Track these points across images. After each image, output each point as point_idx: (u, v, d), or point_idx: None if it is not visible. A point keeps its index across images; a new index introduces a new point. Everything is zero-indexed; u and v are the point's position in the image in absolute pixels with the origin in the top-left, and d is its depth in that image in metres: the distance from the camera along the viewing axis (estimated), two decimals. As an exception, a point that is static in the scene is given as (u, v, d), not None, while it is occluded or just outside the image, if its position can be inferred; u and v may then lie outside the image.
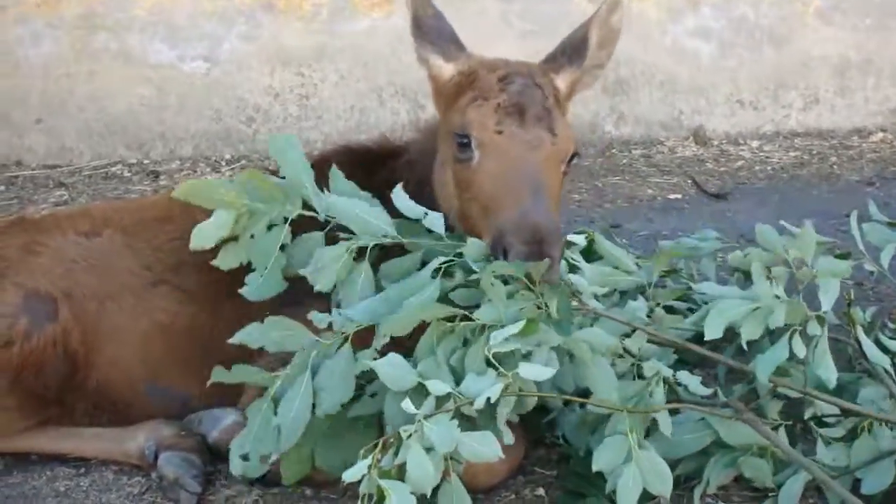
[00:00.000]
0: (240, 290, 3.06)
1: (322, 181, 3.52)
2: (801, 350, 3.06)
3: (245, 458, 2.96)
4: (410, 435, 2.63)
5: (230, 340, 3.00)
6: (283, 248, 3.07)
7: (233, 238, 3.06)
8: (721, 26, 7.85)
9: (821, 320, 3.10)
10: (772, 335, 3.21)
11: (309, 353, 2.93)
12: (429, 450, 2.63)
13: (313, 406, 2.89)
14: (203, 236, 3.04)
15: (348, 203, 3.12)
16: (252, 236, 3.06)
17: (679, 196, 6.62)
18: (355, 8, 7.39)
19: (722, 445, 3.14)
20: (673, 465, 3.01)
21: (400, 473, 2.62)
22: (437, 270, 2.96)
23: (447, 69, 3.39)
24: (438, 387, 2.74)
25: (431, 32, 3.40)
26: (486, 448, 2.67)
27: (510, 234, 2.87)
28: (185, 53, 7.34)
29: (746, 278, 3.77)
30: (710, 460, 3.16)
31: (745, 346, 3.15)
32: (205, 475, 3.33)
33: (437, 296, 2.89)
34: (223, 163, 7.27)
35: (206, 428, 3.43)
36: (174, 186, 6.44)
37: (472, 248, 2.96)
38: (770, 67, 7.93)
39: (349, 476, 2.64)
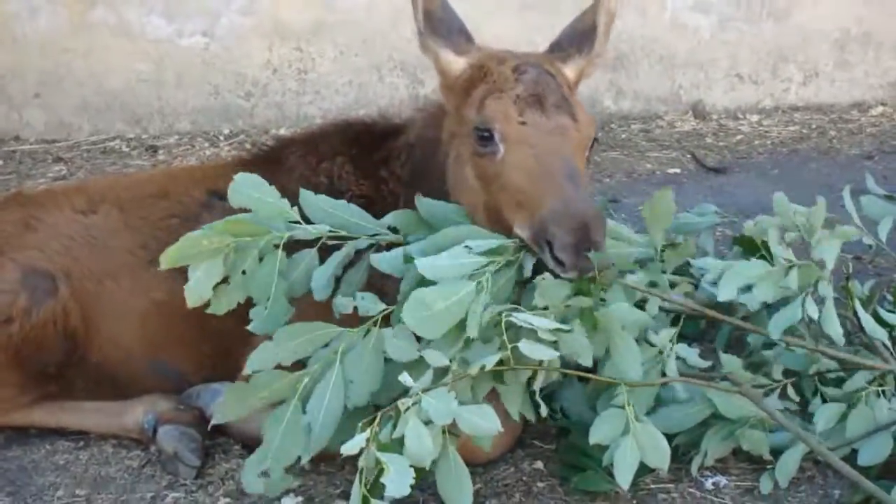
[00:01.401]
0: (248, 328, 3.01)
1: (314, 156, 3.51)
2: (814, 311, 3.15)
3: (265, 474, 2.89)
4: (408, 408, 2.63)
5: (245, 372, 2.94)
6: (279, 273, 3.01)
7: (222, 281, 2.99)
8: (720, 0, 7.81)
9: (827, 281, 3.21)
10: (769, 308, 3.24)
11: (338, 346, 2.89)
12: (427, 423, 2.63)
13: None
14: (197, 292, 2.97)
15: (338, 207, 3.11)
16: (244, 272, 2.99)
17: (678, 170, 6.61)
18: (354, -18, 7.37)
19: (720, 418, 3.15)
20: (671, 438, 3.03)
21: (399, 447, 2.62)
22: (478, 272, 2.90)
23: (458, 63, 3.32)
24: (437, 359, 2.74)
25: (441, 26, 3.33)
26: (485, 421, 2.67)
27: (554, 225, 2.83)
28: (184, 28, 7.30)
29: (745, 253, 3.78)
30: (709, 432, 3.17)
31: (751, 309, 3.24)
32: (203, 448, 3.35)
33: (486, 300, 2.84)
34: (221, 138, 7.26)
35: (205, 402, 3.44)
36: (172, 161, 6.56)
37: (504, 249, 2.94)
38: (769, 41, 7.90)
39: (347, 449, 2.64)
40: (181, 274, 3.48)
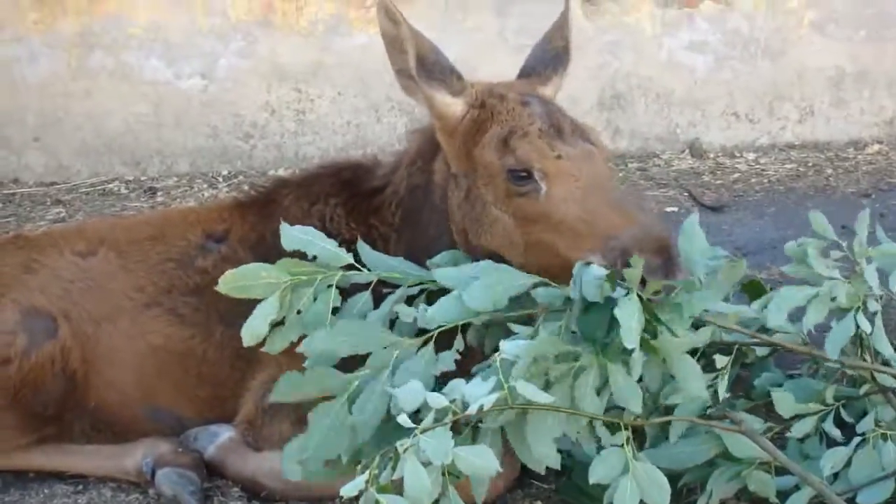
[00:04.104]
0: (304, 364, 2.99)
1: (307, 199, 3.56)
2: (866, 326, 3.11)
3: (303, 462, 2.88)
4: (406, 448, 2.63)
5: (272, 399, 2.97)
6: (334, 311, 3.08)
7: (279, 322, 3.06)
8: (716, 39, 7.86)
9: (877, 298, 3.19)
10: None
11: (390, 352, 2.91)
12: (426, 464, 2.62)
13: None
14: (254, 330, 3.01)
15: (391, 259, 3.22)
16: (299, 312, 3.05)
17: (676, 209, 6.62)
18: (351, 24, 7.40)
19: (727, 458, 3.13)
20: (676, 477, 3.01)
21: (398, 488, 2.61)
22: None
23: (457, 105, 3.30)
24: (437, 400, 2.73)
25: (435, 69, 3.31)
26: (484, 461, 2.66)
27: (637, 250, 2.83)
28: (182, 70, 7.35)
29: (751, 298, 3.77)
30: (715, 473, 3.14)
31: (811, 330, 3.21)
32: (202, 491, 3.33)
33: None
34: (220, 179, 7.28)
35: (203, 444, 3.43)
36: (171, 203, 6.57)
37: (547, 294, 2.93)
38: (765, 80, 7.95)
39: (347, 491, 2.64)
40: (177, 318, 3.51)
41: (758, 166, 7.57)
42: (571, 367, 2.78)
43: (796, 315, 3.22)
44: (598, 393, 2.83)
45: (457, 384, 2.79)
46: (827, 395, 3.29)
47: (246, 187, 6.69)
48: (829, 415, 3.28)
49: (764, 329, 3.32)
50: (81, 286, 3.57)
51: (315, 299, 3.05)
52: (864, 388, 3.31)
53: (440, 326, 2.93)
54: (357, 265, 3.12)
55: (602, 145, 3.25)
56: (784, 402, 3.22)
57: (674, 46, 7.83)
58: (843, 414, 3.31)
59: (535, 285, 2.95)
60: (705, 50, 7.86)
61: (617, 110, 7.77)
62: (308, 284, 3.05)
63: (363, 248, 3.21)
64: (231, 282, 3.02)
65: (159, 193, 7.01)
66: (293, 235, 3.11)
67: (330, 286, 3.06)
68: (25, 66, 7.16)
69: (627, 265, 2.79)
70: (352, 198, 3.56)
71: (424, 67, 3.29)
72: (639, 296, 2.72)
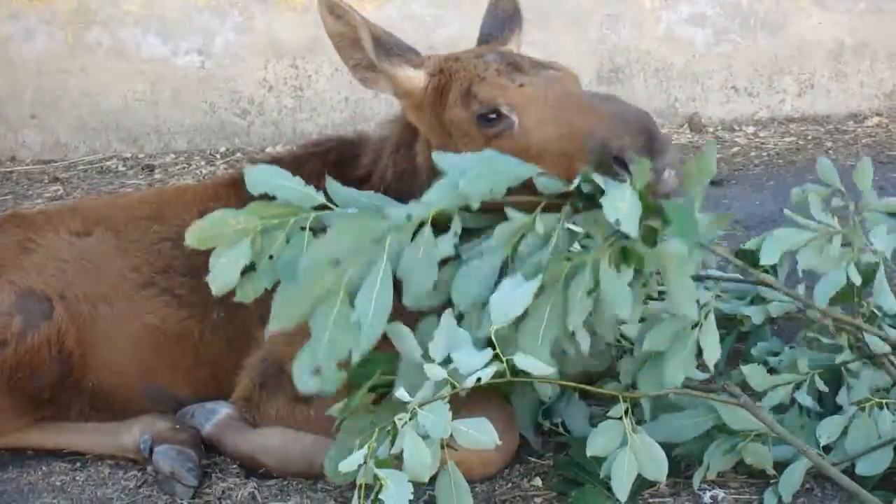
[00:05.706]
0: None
1: (299, 178, 3.50)
2: (856, 278, 3.06)
3: (317, 371, 2.70)
4: (405, 423, 2.62)
5: (271, 327, 2.78)
6: None
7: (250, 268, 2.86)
8: (715, 13, 7.83)
9: (876, 253, 3.15)
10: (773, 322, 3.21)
11: (384, 237, 2.72)
12: (425, 438, 2.62)
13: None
14: (223, 276, 2.82)
15: (364, 195, 2.99)
16: (271, 257, 2.85)
17: (675, 183, 6.60)
18: (348, -1, 7.37)
19: (722, 430, 3.13)
20: (671, 449, 3.01)
21: (397, 462, 2.61)
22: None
23: (419, 77, 3.31)
24: (436, 371, 2.71)
25: (392, 48, 3.30)
26: (483, 435, 2.66)
27: (616, 140, 2.76)
28: (179, 47, 7.33)
29: (753, 265, 3.76)
30: (711, 446, 3.14)
31: (800, 273, 3.15)
32: (200, 468, 3.33)
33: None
34: (218, 156, 7.27)
35: (199, 421, 3.43)
36: (169, 180, 6.56)
37: (549, 185, 2.74)
38: (765, 53, 7.92)
39: (346, 466, 2.64)
40: (173, 298, 3.50)
41: (757, 140, 7.55)
42: (564, 267, 2.67)
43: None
44: (589, 295, 2.70)
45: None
46: (800, 365, 3.27)
47: (243, 164, 6.69)
48: (802, 384, 3.28)
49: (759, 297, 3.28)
50: (77, 266, 3.56)
51: (288, 241, 2.84)
52: (841, 358, 3.31)
53: (436, 211, 2.74)
54: (329, 204, 2.90)
55: (569, 70, 3.19)
56: (755, 375, 3.21)
57: (672, 20, 7.80)
58: (818, 383, 3.29)
59: (538, 175, 2.77)
60: (704, 23, 7.83)
61: (616, 84, 7.74)
62: (280, 228, 2.84)
63: (332, 184, 3.00)
64: (198, 233, 2.79)
65: (157, 171, 7.00)
66: (259, 178, 2.88)
67: (303, 228, 2.85)
68: (22, 43, 7.15)
69: (618, 160, 2.74)
70: (339, 176, 3.54)
71: (382, 48, 3.27)
72: (640, 192, 2.60)
